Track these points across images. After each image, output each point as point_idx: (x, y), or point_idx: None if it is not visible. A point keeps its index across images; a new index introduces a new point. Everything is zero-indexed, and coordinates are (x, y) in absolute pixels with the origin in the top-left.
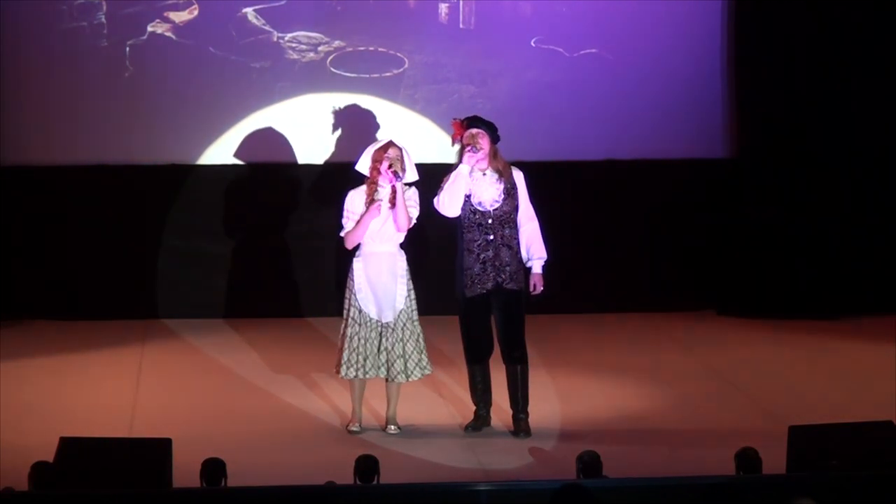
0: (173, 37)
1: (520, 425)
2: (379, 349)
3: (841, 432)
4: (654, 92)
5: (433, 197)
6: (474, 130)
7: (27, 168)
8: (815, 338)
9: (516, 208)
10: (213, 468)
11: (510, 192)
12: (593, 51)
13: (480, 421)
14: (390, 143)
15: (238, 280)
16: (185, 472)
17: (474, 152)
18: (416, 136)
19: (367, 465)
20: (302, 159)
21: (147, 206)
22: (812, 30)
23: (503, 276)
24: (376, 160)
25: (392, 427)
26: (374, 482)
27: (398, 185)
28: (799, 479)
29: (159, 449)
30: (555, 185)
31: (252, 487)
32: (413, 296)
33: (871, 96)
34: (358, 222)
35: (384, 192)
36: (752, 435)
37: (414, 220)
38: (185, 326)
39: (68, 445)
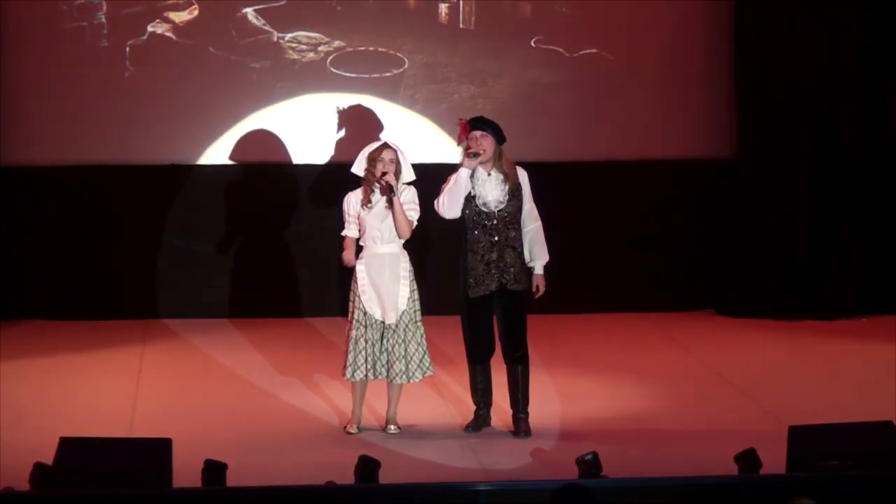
0: (173, 37)
1: (520, 425)
2: (380, 350)
3: (841, 432)
4: (654, 92)
5: (434, 199)
6: (477, 133)
7: (27, 168)
8: (815, 338)
9: (521, 209)
10: (214, 469)
11: (515, 193)
12: (593, 51)
13: (480, 421)
14: (385, 145)
15: (238, 280)
16: (186, 472)
17: (474, 157)
18: (416, 136)
19: (367, 465)
20: (302, 159)
21: (147, 206)
22: (812, 29)
23: (507, 278)
24: (372, 160)
25: (392, 427)
26: (374, 482)
27: (394, 198)
28: (799, 479)
29: (159, 449)
30: (555, 185)
31: (252, 487)
32: (417, 296)
33: (870, 96)
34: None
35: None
36: (752, 435)
37: (415, 223)
38: (185, 326)
39: (68, 445)
